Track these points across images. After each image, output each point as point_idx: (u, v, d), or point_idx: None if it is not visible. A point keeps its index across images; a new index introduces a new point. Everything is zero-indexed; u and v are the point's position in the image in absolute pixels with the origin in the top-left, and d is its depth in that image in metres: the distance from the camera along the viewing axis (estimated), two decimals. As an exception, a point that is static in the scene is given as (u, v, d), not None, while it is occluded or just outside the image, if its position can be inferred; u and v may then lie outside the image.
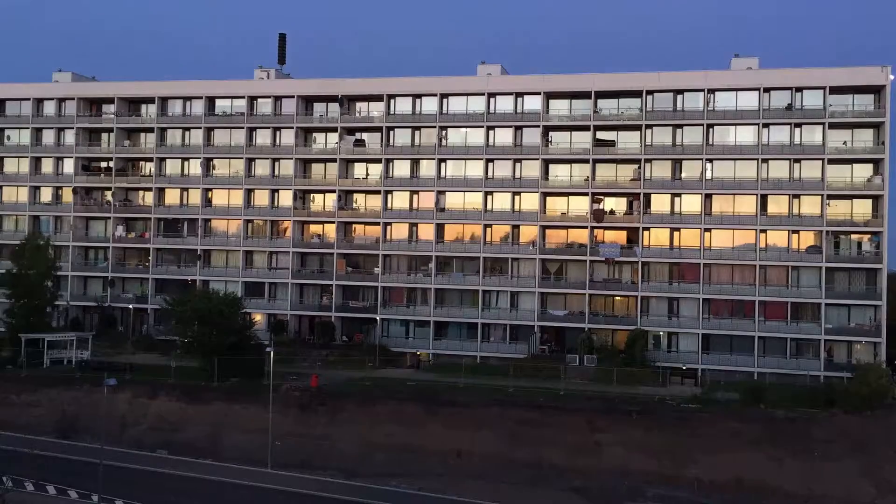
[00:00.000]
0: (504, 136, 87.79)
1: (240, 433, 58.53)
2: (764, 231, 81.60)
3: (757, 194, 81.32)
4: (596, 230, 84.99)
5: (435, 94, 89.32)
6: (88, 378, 68.19)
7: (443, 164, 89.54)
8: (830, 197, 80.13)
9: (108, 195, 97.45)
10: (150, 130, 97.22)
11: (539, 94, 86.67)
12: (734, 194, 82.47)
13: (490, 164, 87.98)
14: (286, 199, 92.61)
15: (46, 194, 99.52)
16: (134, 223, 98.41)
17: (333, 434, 58.75)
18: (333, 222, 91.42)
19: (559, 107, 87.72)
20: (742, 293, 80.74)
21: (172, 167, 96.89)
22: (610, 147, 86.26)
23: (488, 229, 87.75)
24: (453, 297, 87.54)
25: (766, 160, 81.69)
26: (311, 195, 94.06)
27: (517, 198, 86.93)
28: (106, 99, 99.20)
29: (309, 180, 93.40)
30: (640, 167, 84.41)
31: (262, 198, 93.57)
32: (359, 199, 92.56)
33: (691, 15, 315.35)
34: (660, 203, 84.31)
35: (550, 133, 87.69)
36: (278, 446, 54.15)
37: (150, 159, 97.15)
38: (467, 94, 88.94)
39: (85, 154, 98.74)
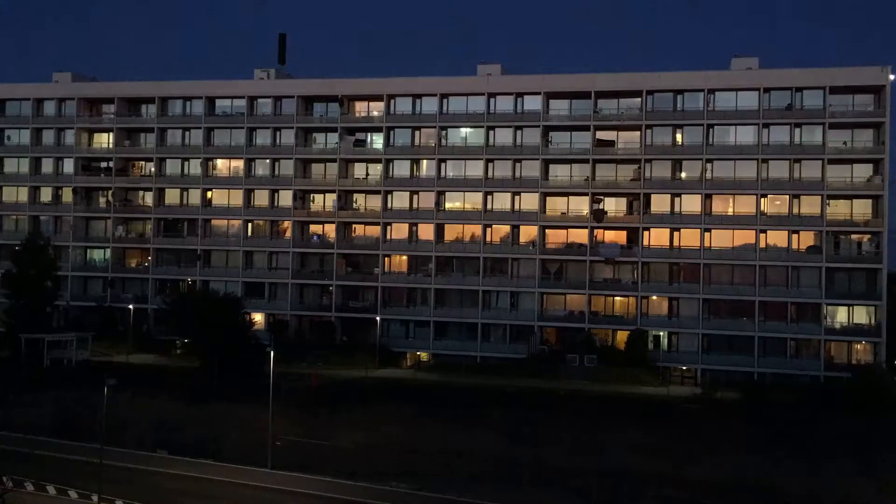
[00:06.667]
0: (504, 136, 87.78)
1: (240, 433, 58.43)
2: (764, 231, 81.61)
3: (757, 194, 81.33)
4: (596, 230, 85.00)
5: (435, 95, 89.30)
6: (88, 378, 68.07)
7: (443, 164, 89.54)
8: (830, 197, 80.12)
9: (109, 195, 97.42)
10: (150, 130, 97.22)
11: (539, 94, 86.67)
12: (734, 194, 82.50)
13: (490, 164, 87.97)
14: (286, 199, 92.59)
15: (46, 194, 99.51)
16: (134, 223, 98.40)
17: (333, 434, 58.67)
18: (333, 222, 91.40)
19: (559, 107, 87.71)
20: (742, 293, 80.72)
21: (172, 167, 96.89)
22: (610, 147, 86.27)
23: (488, 229, 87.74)
24: (453, 297, 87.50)
25: (766, 160, 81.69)
26: (311, 195, 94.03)
27: (517, 198, 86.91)
28: (106, 99, 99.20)
29: (309, 180, 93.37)
30: (640, 167, 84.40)
31: (262, 198, 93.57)
32: (359, 199, 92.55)
33: (691, 15, 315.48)
34: (660, 203, 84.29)
35: (550, 133, 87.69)
36: (278, 446, 54.11)
37: (150, 159, 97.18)
38: (467, 94, 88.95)
39: (85, 154, 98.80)
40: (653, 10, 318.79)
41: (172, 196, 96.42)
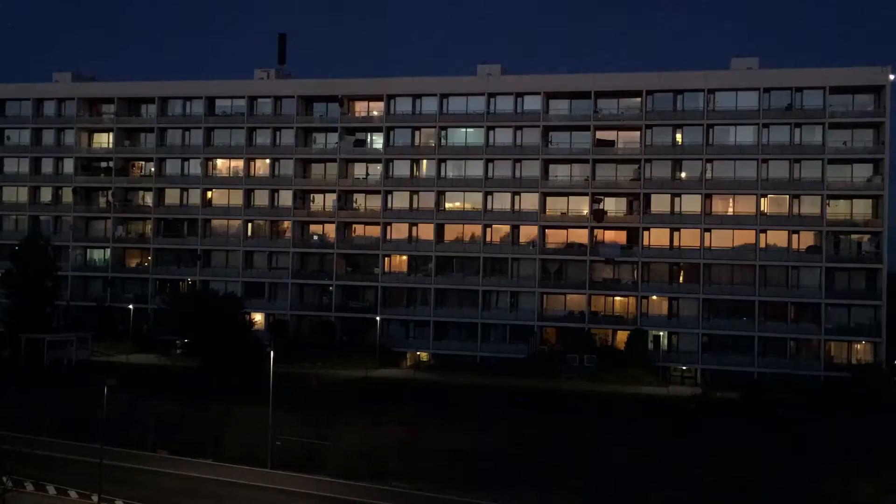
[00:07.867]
0: (504, 136, 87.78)
1: (240, 433, 58.38)
2: (764, 231, 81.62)
3: (757, 194, 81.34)
4: (596, 230, 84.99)
5: (435, 95, 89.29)
6: (88, 378, 68.00)
7: (443, 164, 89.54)
8: (830, 197, 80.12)
9: (109, 195, 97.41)
10: (150, 130, 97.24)
11: (539, 94, 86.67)
12: (734, 194, 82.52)
13: (490, 164, 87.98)
14: (286, 199, 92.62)
15: (46, 194, 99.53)
16: (134, 223, 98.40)
17: (333, 434, 58.66)
18: (333, 222, 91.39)
19: (559, 107, 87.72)
20: (742, 293, 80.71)
21: (172, 167, 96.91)
22: (610, 147, 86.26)
23: (488, 229, 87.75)
24: (453, 297, 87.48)
25: (766, 160, 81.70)
26: (311, 195, 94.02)
27: (517, 198, 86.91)
28: (106, 99, 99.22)
29: (309, 180, 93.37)
30: (640, 167, 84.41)
31: (262, 198, 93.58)
32: (359, 199, 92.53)
33: (691, 15, 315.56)
34: (660, 203, 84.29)
35: (550, 133, 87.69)
36: (278, 446, 54.09)
37: (150, 159, 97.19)
38: (467, 94, 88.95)
39: (85, 154, 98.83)
40: (653, 10, 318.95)
41: (172, 196, 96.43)
